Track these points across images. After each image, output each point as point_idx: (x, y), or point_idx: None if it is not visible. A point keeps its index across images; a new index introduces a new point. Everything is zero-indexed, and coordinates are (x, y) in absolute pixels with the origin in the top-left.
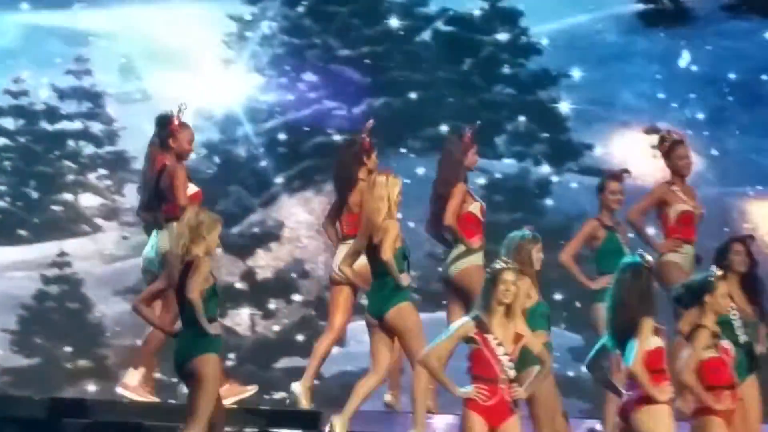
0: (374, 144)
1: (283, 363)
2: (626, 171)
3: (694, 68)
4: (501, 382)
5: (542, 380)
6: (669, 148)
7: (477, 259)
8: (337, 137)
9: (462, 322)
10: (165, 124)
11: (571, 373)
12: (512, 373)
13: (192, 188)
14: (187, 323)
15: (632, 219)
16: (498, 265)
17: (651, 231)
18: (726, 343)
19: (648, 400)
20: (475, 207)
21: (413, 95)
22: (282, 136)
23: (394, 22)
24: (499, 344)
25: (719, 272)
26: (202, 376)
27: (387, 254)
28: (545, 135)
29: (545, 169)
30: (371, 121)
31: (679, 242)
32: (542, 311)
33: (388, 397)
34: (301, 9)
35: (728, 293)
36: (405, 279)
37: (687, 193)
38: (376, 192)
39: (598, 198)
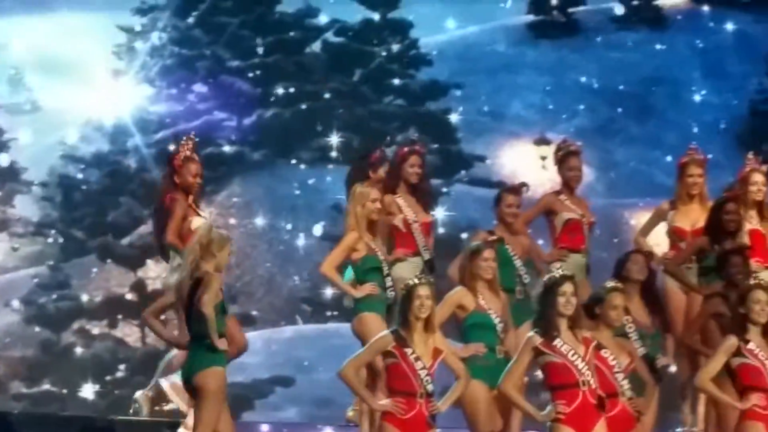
0: (382, 159)
1: (174, 375)
2: (524, 185)
3: (583, 79)
4: (419, 396)
5: (459, 393)
6: (562, 158)
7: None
8: (227, 148)
9: (380, 336)
10: (169, 161)
11: None
12: (430, 388)
13: (197, 222)
14: (195, 337)
15: (515, 228)
16: (412, 280)
17: (540, 242)
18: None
19: None
20: (398, 219)
21: (303, 106)
22: (172, 147)
23: (284, 34)
24: (417, 358)
25: (613, 284)
26: (208, 388)
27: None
28: (435, 146)
29: (435, 180)
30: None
31: (565, 251)
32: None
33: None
34: (191, 20)
35: (623, 305)
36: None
37: (575, 203)
38: None
39: (494, 210)
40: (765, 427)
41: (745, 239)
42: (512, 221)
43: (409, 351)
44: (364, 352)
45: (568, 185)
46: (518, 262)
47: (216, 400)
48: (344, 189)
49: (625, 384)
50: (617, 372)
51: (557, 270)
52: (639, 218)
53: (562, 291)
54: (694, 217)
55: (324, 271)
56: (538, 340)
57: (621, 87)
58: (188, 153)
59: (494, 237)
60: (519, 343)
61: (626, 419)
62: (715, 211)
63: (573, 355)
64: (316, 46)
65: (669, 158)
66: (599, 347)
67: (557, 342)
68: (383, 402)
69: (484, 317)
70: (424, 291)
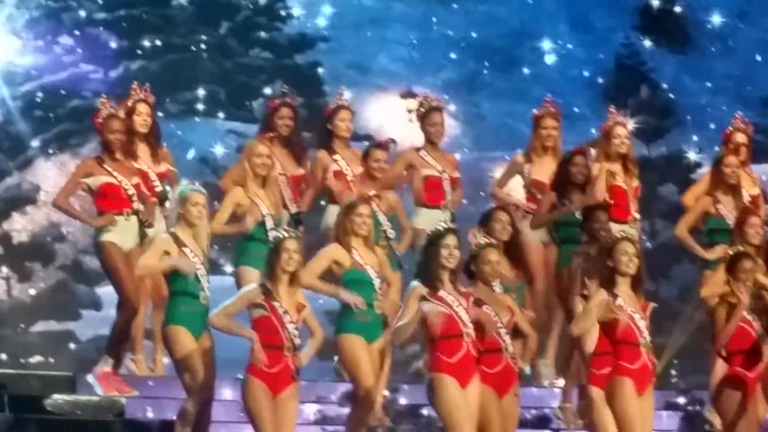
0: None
1: (40, 327)
2: (392, 140)
3: (450, 33)
4: (286, 350)
5: (316, 349)
6: (424, 114)
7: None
8: (94, 101)
9: (249, 288)
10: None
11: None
12: (297, 341)
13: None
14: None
15: (384, 183)
16: (281, 234)
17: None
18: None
19: None
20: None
21: (170, 58)
22: (38, 100)
23: None
24: (285, 312)
25: (484, 240)
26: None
27: None
28: (302, 99)
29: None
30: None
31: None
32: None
33: (131, 365)
34: None
35: (497, 260)
36: None
37: (438, 158)
38: None
39: (362, 165)
40: (633, 383)
41: (600, 194)
42: (380, 176)
43: (277, 304)
44: (232, 302)
45: (431, 141)
46: (383, 218)
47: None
48: (211, 141)
49: (507, 339)
50: (500, 327)
51: (441, 223)
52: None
53: (445, 243)
54: (550, 168)
55: (213, 228)
56: (424, 290)
57: (488, 40)
58: (111, 111)
59: (371, 193)
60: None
61: (509, 374)
62: (563, 163)
63: (458, 307)
64: None
65: (535, 111)
66: (479, 303)
67: (442, 293)
68: (253, 337)
69: (361, 274)
70: (291, 245)
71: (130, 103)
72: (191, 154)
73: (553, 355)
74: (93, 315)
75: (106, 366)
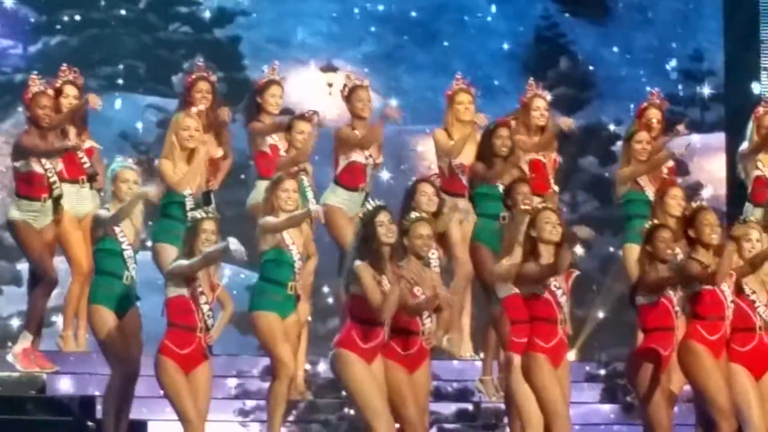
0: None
1: None
2: (315, 112)
3: (369, 6)
4: (198, 331)
5: (226, 322)
6: (349, 92)
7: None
8: (13, 76)
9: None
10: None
11: None
12: (211, 322)
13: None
14: None
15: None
16: (199, 214)
17: None
18: None
19: None
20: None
21: (89, 33)
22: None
23: None
24: (202, 293)
25: (417, 214)
26: None
27: None
28: (221, 74)
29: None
30: None
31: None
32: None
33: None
34: None
35: (428, 234)
36: None
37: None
38: None
39: (285, 137)
40: (547, 359)
41: (522, 165)
42: (303, 148)
43: (195, 284)
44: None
45: (359, 116)
46: (310, 194)
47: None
48: (132, 117)
49: (428, 322)
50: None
51: (370, 203)
52: (425, 145)
53: (380, 221)
54: (471, 149)
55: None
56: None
57: (407, 13)
58: (41, 88)
59: (296, 168)
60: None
61: (421, 353)
62: (486, 136)
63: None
64: None
65: (447, 91)
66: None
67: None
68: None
69: (283, 253)
70: (209, 225)
71: (58, 84)
72: (112, 129)
73: (468, 329)
74: (14, 291)
75: (25, 342)
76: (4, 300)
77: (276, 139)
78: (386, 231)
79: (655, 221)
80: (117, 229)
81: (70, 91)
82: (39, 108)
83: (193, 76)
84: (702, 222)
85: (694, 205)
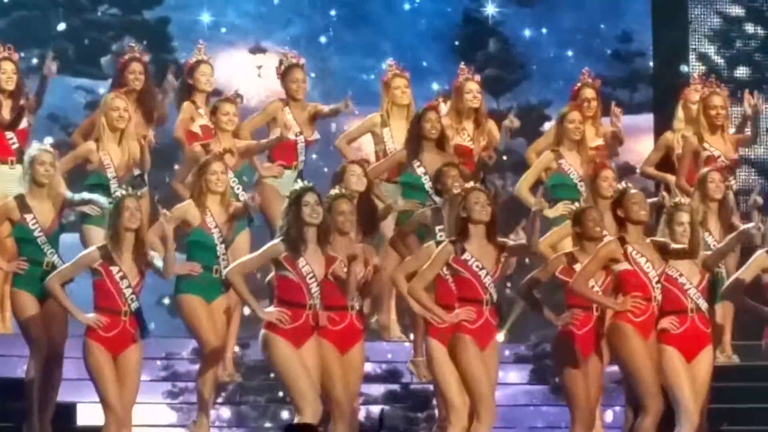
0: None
1: None
2: (238, 94)
3: None
4: (123, 315)
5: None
6: (284, 71)
7: None
8: None
9: (87, 251)
10: None
11: None
12: (135, 306)
13: None
14: None
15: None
16: (120, 193)
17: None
18: None
19: None
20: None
21: (18, 15)
22: None
23: None
24: (123, 277)
25: (336, 191)
26: None
27: None
28: (150, 56)
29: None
30: None
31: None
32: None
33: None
34: None
35: (349, 210)
36: None
37: (299, 116)
38: None
39: (210, 120)
40: (473, 341)
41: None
42: (229, 129)
43: (115, 269)
44: (67, 266)
45: (293, 98)
46: (231, 174)
47: None
48: (61, 99)
49: (354, 296)
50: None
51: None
52: (354, 125)
53: (305, 201)
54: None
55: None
56: (281, 252)
57: None
58: None
59: (223, 148)
60: None
61: (353, 331)
62: (416, 119)
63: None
64: None
65: (384, 66)
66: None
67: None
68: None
69: (206, 237)
70: (131, 203)
71: None
72: (42, 111)
73: (394, 309)
74: None
75: None
76: None
77: (207, 120)
78: (311, 212)
79: (582, 204)
80: (28, 216)
81: (8, 66)
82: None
83: (126, 57)
84: (630, 200)
85: (619, 186)
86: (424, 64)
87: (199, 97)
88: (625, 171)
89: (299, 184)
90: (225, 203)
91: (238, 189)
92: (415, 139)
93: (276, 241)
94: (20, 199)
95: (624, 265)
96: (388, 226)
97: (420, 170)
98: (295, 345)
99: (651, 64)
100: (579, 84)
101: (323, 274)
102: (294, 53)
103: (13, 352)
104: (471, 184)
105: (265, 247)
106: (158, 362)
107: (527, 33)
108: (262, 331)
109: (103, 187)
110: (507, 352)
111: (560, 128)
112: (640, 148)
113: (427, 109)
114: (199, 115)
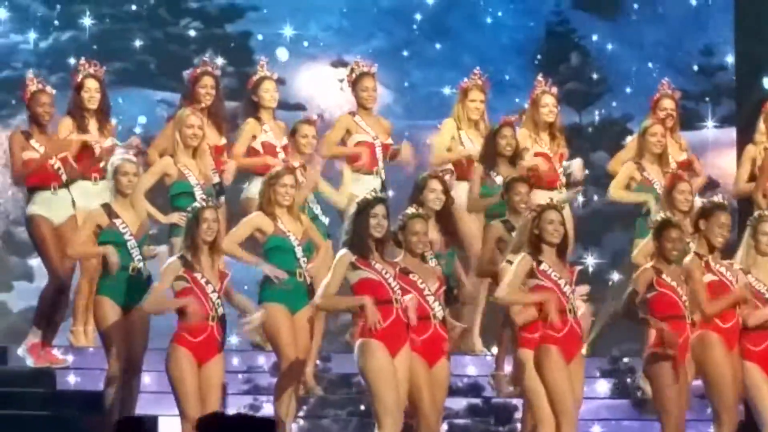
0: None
1: None
2: (321, 116)
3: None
4: (211, 320)
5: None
6: (355, 80)
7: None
8: (26, 72)
9: (169, 263)
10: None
11: None
12: (221, 310)
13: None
14: None
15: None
16: (199, 203)
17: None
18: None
19: None
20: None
21: (100, 28)
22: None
23: None
24: (207, 282)
25: (414, 210)
26: None
27: None
28: (231, 69)
29: (233, 103)
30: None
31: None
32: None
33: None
34: None
35: (424, 231)
36: None
37: (372, 124)
38: None
39: (289, 141)
40: (558, 351)
41: (530, 163)
42: (308, 151)
43: (198, 275)
44: (160, 282)
45: (363, 106)
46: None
47: None
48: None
49: (437, 306)
50: (428, 295)
51: (371, 192)
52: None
53: (374, 213)
54: (477, 142)
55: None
56: (353, 256)
57: (417, 8)
58: (39, 87)
59: (293, 164)
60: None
61: (437, 341)
62: (491, 135)
63: (386, 273)
64: None
65: (466, 80)
66: (406, 272)
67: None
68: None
69: (284, 241)
70: (210, 214)
71: (78, 79)
72: (125, 123)
73: (479, 324)
74: (25, 286)
75: (35, 338)
76: (15, 295)
77: (271, 136)
78: (377, 224)
79: (666, 214)
80: (118, 221)
81: (91, 84)
82: (38, 106)
83: (198, 71)
84: (716, 221)
85: (715, 198)
86: (506, 77)
87: (265, 113)
88: (708, 186)
89: (372, 193)
90: (294, 215)
91: (316, 209)
92: (491, 155)
93: (343, 251)
94: (107, 207)
95: (709, 277)
96: (475, 237)
97: (498, 179)
98: (392, 352)
99: (733, 78)
100: (658, 94)
101: (394, 275)
102: (367, 62)
103: (95, 365)
104: (548, 200)
105: (334, 263)
106: (241, 375)
107: (609, 47)
108: (359, 340)
109: (188, 195)
110: (590, 366)
111: (642, 141)
112: (723, 162)
113: (503, 125)
114: (263, 131)
